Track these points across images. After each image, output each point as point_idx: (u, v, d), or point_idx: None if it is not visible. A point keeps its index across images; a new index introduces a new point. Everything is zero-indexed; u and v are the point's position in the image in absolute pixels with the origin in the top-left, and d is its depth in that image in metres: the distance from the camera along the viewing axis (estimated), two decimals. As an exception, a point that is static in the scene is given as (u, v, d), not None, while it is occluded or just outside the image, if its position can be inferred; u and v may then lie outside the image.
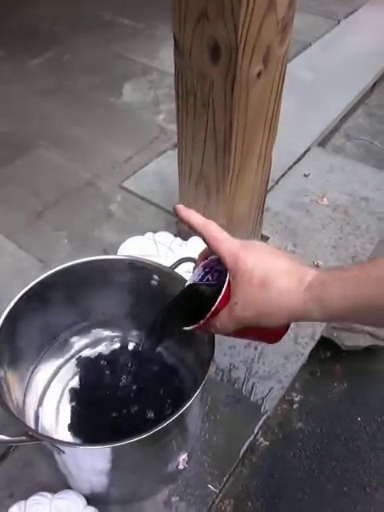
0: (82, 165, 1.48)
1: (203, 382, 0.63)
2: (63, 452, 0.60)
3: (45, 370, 0.84)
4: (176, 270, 0.79)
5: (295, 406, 1.33)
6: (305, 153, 1.53)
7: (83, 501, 0.76)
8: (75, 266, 0.77)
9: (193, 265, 0.83)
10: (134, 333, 0.92)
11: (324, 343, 1.31)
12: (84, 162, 1.49)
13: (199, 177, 1.05)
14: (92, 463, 0.67)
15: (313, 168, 1.48)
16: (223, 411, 0.94)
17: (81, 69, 1.93)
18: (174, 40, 0.85)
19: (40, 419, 0.80)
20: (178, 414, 0.60)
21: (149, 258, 0.80)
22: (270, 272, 0.50)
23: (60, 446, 0.59)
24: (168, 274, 0.78)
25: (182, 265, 0.82)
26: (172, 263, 0.79)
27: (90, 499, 0.77)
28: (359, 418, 1.32)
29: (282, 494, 1.17)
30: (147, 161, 1.48)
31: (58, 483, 0.78)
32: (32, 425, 0.77)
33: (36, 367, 0.82)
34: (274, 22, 0.75)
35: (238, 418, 0.93)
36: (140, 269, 0.80)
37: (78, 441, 0.78)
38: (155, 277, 0.80)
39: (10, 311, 0.69)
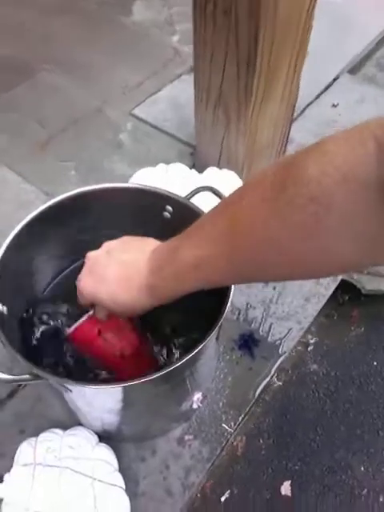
0: (89, 90, 1.37)
1: (219, 323, 0.57)
2: (70, 391, 0.56)
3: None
4: (192, 201, 0.72)
5: (310, 348, 1.30)
6: (334, 81, 1.40)
7: (95, 438, 0.74)
8: (82, 193, 0.70)
9: (210, 194, 0.76)
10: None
11: (343, 286, 1.26)
12: (92, 87, 1.38)
13: (218, 101, 0.95)
14: (103, 402, 0.64)
15: (342, 98, 1.36)
16: (239, 351, 0.90)
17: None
18: None
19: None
20: (191, 355, 0.55)
21: (162, 191, 0.73)
22: (110, 292, 0.55)
23: (67, 385, 0.55)
24: (183, 205, 0.70)
25: (200, 194, 0.75)
26: (187, 193, 0.72)
27: (102, 436, 0.75)
28: (375, 363, 1.29)
29: (294, 434, 1.16)
30: (160, 86, 1.36)
31: (70, 420, 0.76)
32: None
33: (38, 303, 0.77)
34: None
35: (254, 358, 0.90)
36: (152, 198, 0.72)
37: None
38: (168, 208, 0.72)
39: (11, 243, 0.64)
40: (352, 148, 0.33)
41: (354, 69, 1.52)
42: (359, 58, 1.53)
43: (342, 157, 0.33)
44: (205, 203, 0.73)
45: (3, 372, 0.54)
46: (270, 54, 0.82)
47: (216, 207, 0.48)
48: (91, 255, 0.57)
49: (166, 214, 0.74)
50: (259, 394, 1.07)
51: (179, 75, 1.38)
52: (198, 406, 0.76)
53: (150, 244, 0.55)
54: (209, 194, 0.73)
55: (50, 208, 0.69)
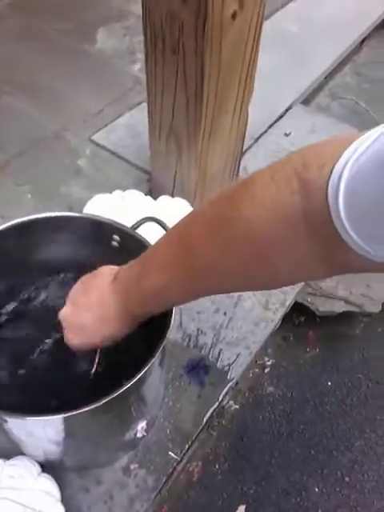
0: (50, 115, 1.38)
1: (158, 350, 0.58)
2: (6, 421, 0.56)
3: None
4: (138, 231, 0.73)
5: (266, 370, 1.32)
6: (287, 110, 1.46)
7: (37, 468, 0.73)
8: (32, 220, 0.71)
9: (157, 225, 0.77)
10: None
11: (298, 309, 1.29)
12: (53, 112, 1.39)
13: (170, 131, 0.98)
14: (42, 432, 0.63)
15: (294, 127, 1.41)
16: (188, 377, 0.91)
17: (53, 11, 1.78)
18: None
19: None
20: (130, 384, 0.56)
21: (116, 217, 0.74)
22: (97, 334, 0.59)
23: (3, 416, 0.55)
24: (129, 235, 0.72)
25: (146, 225, 0.77)
26: (134, 223, 0.73)
27: (45, 466, 0.74)
28: (329, 383, 1.32)
29: (250, 457, 1.17)
30: (120, 113, 1.39)
31: (12, 448, 0.75)
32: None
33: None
34: None
35: (203, 384, 0.91)
36: (99, 227, 0.74)
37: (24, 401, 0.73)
38: (115, 237, 0.74)
39: None
40: (277, 188, 0.36)
41: (307, 99, 1.58)
42: (312, 88, 1.59)
43: (270, 199, 0.37)
44: (151, 233, 0.75)
45: None
46: (217, 88, 0.86)
47: (168, 235, 0.53)
48: (62, 315, 0.60)
49: (114, 243, 0.75)
50: (213, 418, 1.08)
51: (139, 103, 1.41)
52: (143, 435, 0.76)
53: (106, 275, 0.58)
54: (154, 224, 0.75)
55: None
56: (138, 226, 0.73)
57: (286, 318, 1.27)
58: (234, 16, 0.77)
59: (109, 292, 0.56)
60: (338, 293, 1.30)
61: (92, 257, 0.79)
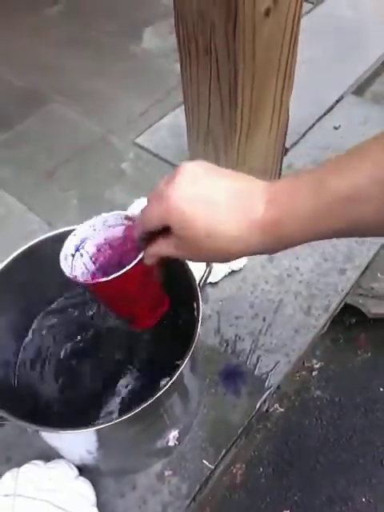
0: (96, 120, 1.41)
1: (188, 357, 0.58)
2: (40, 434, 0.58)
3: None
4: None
5: (314, 373, 1.28)
6: (337, 102, 1.38)
7: (75, 471, 0.76)
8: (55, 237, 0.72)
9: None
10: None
11: (349, 310, 1.24)
12: (99, 116, 1.42)
13: (207, 133, 0.96)
14: (75, 442, 0.65)
15: (345, 119, 1.34)
16: (224, 385, 0.90)
17: (100, 14, 1.81)
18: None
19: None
20: (159, 394, 0.56)
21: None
22: (213, 219, 0.42)
23: (32, 428, 0.57)
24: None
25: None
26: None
27: (82, 470, 0.77)
28: (381, 389, 1.26)
29: (295, 462, 1.15)
30: (163, 114, 1.39)
31: (52, 451, 0.78)
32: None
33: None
34: None
35: (240, 393, 0.89)
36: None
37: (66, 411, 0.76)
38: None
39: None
40: None
41: (360, 88, 1.49)
42: (366, 76, 1.50)
43: None
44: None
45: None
46: (252, 89, 0.83)
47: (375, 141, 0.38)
48: (189, 167, 0.45)
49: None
50: (257, 422, 1.07)
51: (181, 103, 1.40)
52: (175, 444, 0.76)
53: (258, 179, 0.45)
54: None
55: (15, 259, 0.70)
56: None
57: (337, 320, 1.23)
58: (267, 13, 0.73)
59: (259, 190, 0.42)
60: (392, 294, 1.23)
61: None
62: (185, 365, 0.57)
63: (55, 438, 0.66)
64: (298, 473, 1.14)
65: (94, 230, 0.57)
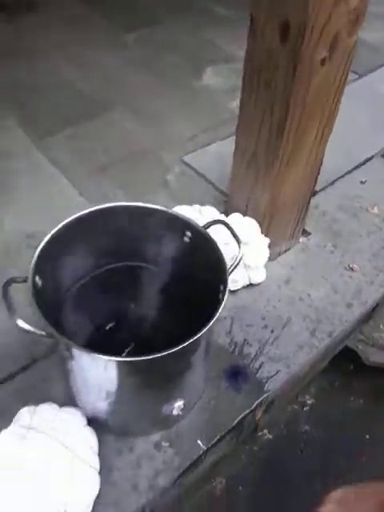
0: (150, 133, 1.57)
1: (213, 319, 0.67)
2: (72, 358, 0.67)
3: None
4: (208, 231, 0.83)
5: (306, 408, 1.32)
6: (366, 161, 1.52)
7: (84, 420, 0.83)
8: (114, 208, 0.84)
9: (225, 229, 0.87)
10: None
11: (349, 355, 1.30)
12: (153, 131, 1.58)
13: (251, 157, 1.09)
14: (97, 376, 0.73)
15: (371, 176, 1.47)
16: (227, 381, 0.97)
17: (169, 48, 2.01)
18: (251, 19, 0.90)
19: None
20: (193, 339, 0.65)
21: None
22: None
23: (72, 348, 0.65)
24: (200, 233, 0.82)
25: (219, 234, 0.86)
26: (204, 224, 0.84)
27: (91, 421, 0.84)
28: (368, 436, 1.29)
29: (274, 489, 1.17)
30: (211, 141, 1.53)
31: (66, 401, 0.86)
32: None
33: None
34: (345, 10, 0.78)
35: (240, 390, 0.96)
36: (175, 222, 0.85)
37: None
38: (188, 233, 0.84)
39: (55, 234, 0.78)
40: None
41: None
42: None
43: None
44: (220, 233, 0.85)
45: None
46: (299, 124, 0.96)
47: None
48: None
49: (186, 238, 0.86)
50: (246, 441, 1.12)
51: (230, 135, 1.55)
52: (178, 414, 0.84)
53: None
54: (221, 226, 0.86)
55: (89, 213, 0.83)
56: (209, 226, 0.83)
57: (336, 363, 1.29)
58: (323, 62, 0.87)
59: None
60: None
61: (163, 249, 0.91)
62: (211, 324, 0.66)
63: (80, 375, 0.75)
64: (277, 500, 1.16)
65: None
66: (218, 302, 0.72)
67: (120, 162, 1.45)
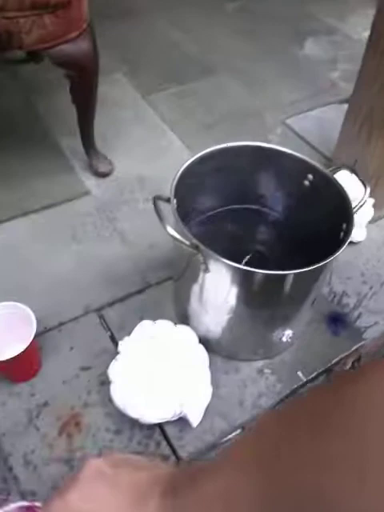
0: (253, 96, 1.62)
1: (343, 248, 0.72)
2: (207, 270, 0.74)
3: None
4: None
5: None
6: None
7: (196, 338, 0.91)
8: (246, 146, 0.90)
9: (349, 174, 0.91)
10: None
11: None
12: (256, 93, 1.63)
13: (365, 119, 1.11)
14: (225, 290, 0.78)
15: None
16: (326, 325, 1.02)
17: (271, 19, 2.04)
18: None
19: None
20: (331, 257, 0.71)
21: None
22: None
23: (216, 257, 0.71)
24: (324, 176, 0.86)
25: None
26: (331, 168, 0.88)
27: (201, 341, 0.92)
28: None
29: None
30: (312, 107, 1.56)
31: (182, 319, 0.94)
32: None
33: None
34: None
35: (338, 335, 1.01)
36: (298, 164, 0.89)
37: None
38: (309, 176, 0.89)
39: (190, 164, 0.85)
40: None
41: None
42: None
43: None
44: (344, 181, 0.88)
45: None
46: None
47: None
48: (94, 463, 0.44)
49: (306, 182, 0.90)
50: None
51: (330, 103, 1.58)
52: (287, 341, 0.90)
53: (161, 468, 0.44)
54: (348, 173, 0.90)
55: (220, 149, 0.90)
56: (334, 172, 0.87)
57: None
58: None
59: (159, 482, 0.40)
60: None
61: (284, 191, 0.97)
62: (342, 250, 0.72)
63: (209, 289, 0.81)
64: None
65: None
66: (340, 243, 0.76)
67: (224, 121, 1.51)
